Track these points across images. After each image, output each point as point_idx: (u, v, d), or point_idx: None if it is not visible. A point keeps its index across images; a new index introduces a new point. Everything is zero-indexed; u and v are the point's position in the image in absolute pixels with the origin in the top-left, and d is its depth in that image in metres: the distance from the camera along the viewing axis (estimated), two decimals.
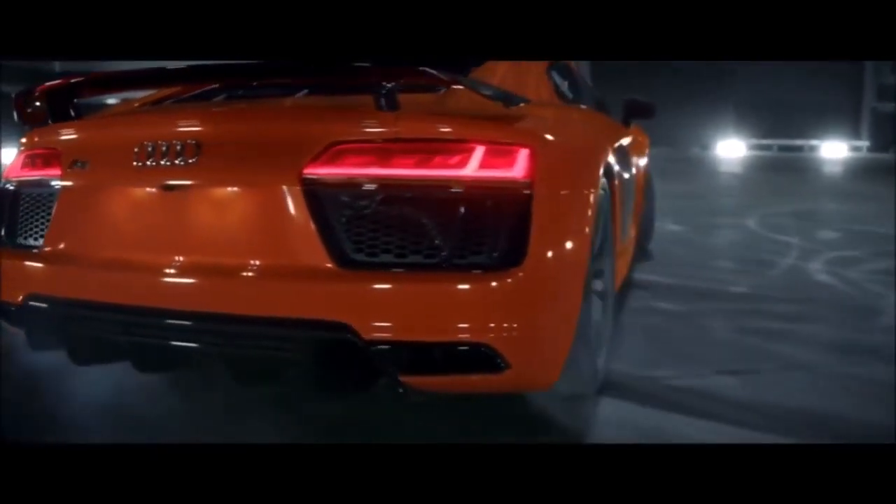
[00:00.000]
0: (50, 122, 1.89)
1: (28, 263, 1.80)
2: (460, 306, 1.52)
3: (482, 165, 1.56)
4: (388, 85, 1.58)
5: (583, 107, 2.81)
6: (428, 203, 1.53)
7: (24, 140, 1.99)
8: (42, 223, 1.86)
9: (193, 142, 1.63)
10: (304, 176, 1.55)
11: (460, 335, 1.52)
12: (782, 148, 26.69)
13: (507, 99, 1.73)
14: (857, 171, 16.48)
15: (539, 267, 1.57)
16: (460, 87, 1.65)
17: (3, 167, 2.15)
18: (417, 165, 1.55)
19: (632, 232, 3.32)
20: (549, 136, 1.75)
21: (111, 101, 2.59)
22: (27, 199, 1.92)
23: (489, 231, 1.54)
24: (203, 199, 1.65)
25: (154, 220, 1.69)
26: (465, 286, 1.51)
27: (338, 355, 1.56)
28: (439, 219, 1.53)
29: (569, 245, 1.68)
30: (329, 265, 1.54)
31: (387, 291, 1.51)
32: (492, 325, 1.53)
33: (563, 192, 1.72)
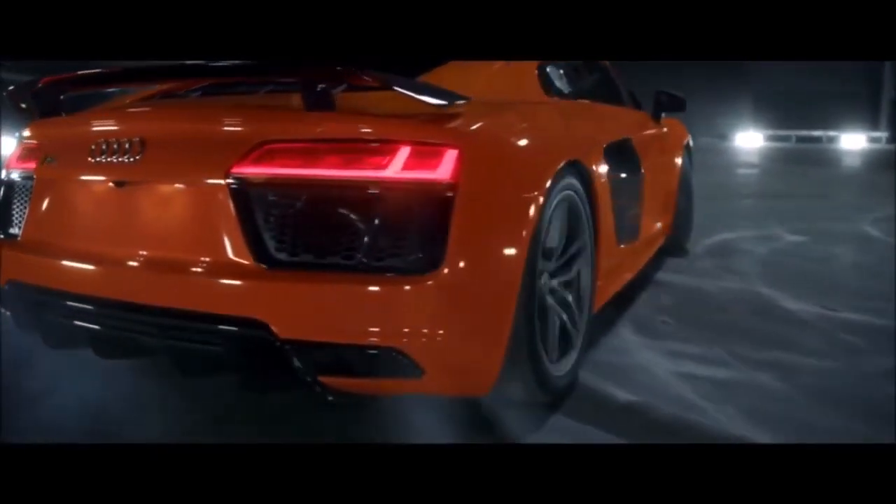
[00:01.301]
0: (37, 117, 2.00)
1: (8, 251, 1.91)
2: (373, 309, 1.52)
3: (406, 166, 1.54)
4: (320, 85, 1.60)
5: (585, 102, 2.77)
6: (349, 204, 1.53)
7: (20, 133, 2.10)
8: (22, 213, 1.97)
9: (138, 140, 1.70)
10: (232, 174, 1.58)
11: (372, 339, 1.52)
12: (800, 139, 26.55)
13: (444, 98, 1.68)
14: (890, 163, 15.57)
15: (458, 273, 1.54)
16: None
17: (3, 158, 2.23)
18: (341, 166, 1.55)
19: (651, 230, 3.26)
20: (483, 137, 1.73)
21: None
22: (14, 190, 2.03)
23: (407, 234, 1.53)
24: (145, 195, 1.71)
25: (105, 214, 1.78)
26: (378, 289, 1.50)
27: (256, 353, 1.57)
28: (360, 220, 1.52)
29: (499, 251, 1.65)
30: (251, 263, 1.56)
31: (303, 291, 1.52)
32: (405, 329, 1.52)
33: (497, 196, 1.68)
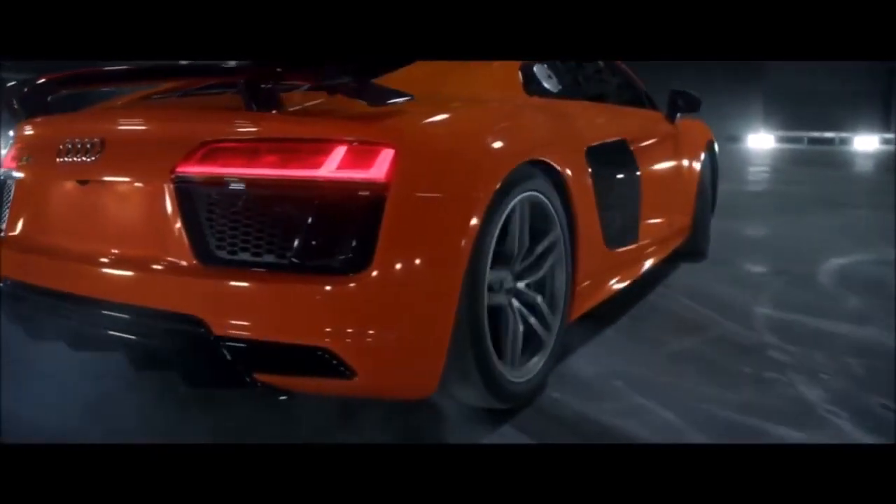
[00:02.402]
0: (24, 117, 2.06)
1: None
2: (302, 309, 1.53)
3: (340, 166, 1.55)
4: (265, 84, 1.63)
5: (573, 102, 2.74)
6: (285, 203, 1.55)
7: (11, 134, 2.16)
8: (5, 210, 2.06)
9: (99, 140, 1.76)
10: (176, 174, 1.62)
11: (301, 338, 1.53)
12: (812, 140, 26.40)
13: (386, 97, 1.69)
14: None
15: (388, 274, 1.54)
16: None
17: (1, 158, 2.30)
18: (277, 165, 1.56)
19: (658, 233, 3.23)
20: (423, 136, 1.71)
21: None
22: (4, 189, 2.10)
23: (337, 234, 1.53)
24: (104, 193, 1.77)
25: (70, 211, 1.85)
26: (307, 289, 1.52)
27: (193, 349, 1.59)
28: (294, 220, 1.54)
29: (436, 252, 1.64)
30: (191, 260, 1.59)
31: (237, 289, 1.55)
32: (333, 329, 1.53)
33: (435, 196, 1.66)
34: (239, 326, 1.54)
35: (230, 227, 1.58)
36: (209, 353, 1.56)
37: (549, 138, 2.24)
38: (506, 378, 1.89)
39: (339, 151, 1.55)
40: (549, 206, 2.08)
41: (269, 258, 1.55)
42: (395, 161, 1.57)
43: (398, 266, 1.56)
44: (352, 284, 1.52)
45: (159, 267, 1.62)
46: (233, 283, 1.55)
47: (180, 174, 1.62)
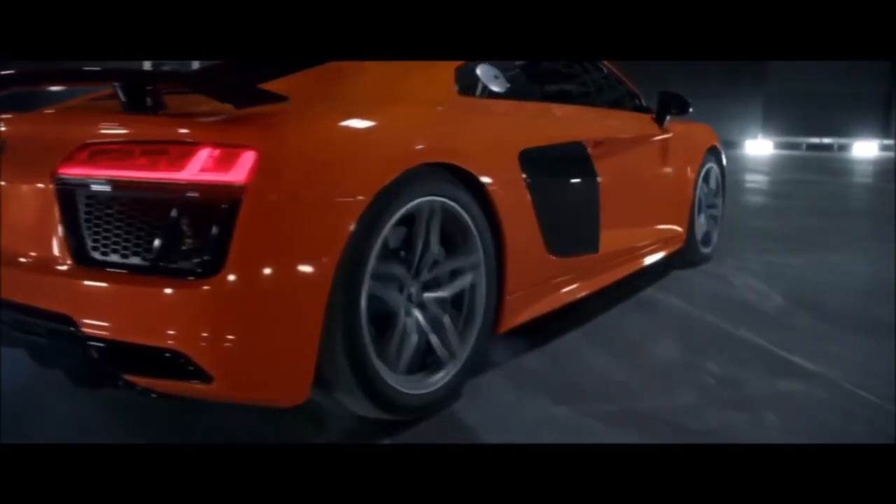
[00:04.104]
0: None
1: None
2: (157, 311, 1.54)
3: (203, 168, 1.55)
4: (138, 87, 1.66)
5: (518, 103, 2.61)
6: (151, 206, 1.57)
7: None
8: None
9: (1, 142, 1.80)
10: (57, 175, 1.65)
11: (156, 340, 1.54)
12: (811, 146, 26.37)
13: (258, 99, 1.71)
14: None
15: (243, 278, 1.53)
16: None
17: None
18: (144, 167, 1.58)
19: (630, 241, 3.14)
20: (291, 139, 1.68)
21: None
22: None
23: (194, 237, 1.54)
24: (5, 194, 1.79)
25: None
26: (162, 291, 1.53)
27: (67, 348, 1.63)
28: (156, 222, 1.56)
29: (299, 258, 1.61)
30: (70, 261, 1.63)
31: (100, 290, 1.58)
32: (186, 333, 1.53)
33: (303, 200, 1.63)
34: (102, 327, 1.56)
35: (103, 228, 1.61)
36: (80, 353, 1.59)
37: (463, 141, 2.14)
38: (395, 389, 1.85)
39: (203, 154, 1.56)
40: (463, 212, 2.02)
41: (135, 260, 1.58)
42: (257, 164, 1.55)
43: (254, 270, 1.55)
44: (204, 288, 1.52)
45: (46, 267, 1.66)
46: (97, 284, 1.59)
47: (60, 176, 1.65)
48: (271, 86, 1.91)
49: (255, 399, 1.71)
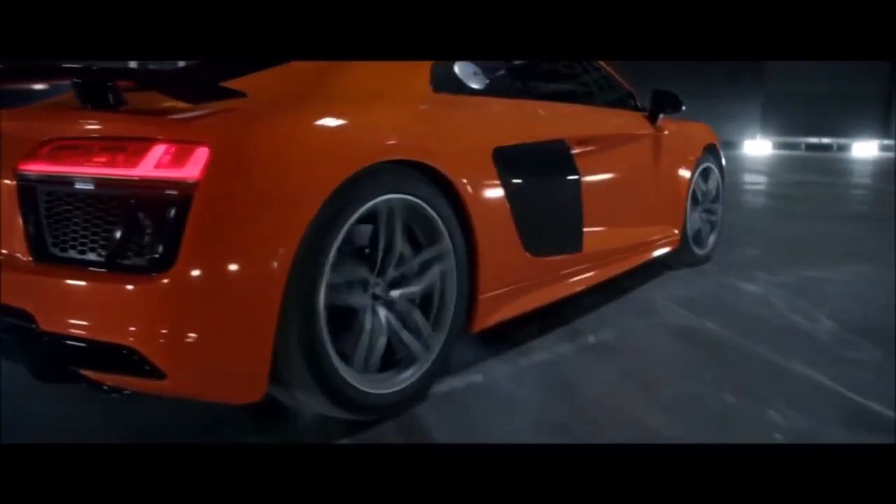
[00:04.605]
0: None
1: None
2: (109, 307, 1.55)
3: (158, 164, 1.56)
4: (96, 84, 1.66)
5: (497, 100, 2.57)
6: (106, 202, 1.58)
7: None
8: None
9: None
10: (19, 172, 1.65)
11: (109, 336, 1.55)
12: (810, 146, 26.11)
13: (216, 95, 1.74)
14: None
15: (193, 275, 1.53)
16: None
17: None
18: (101, 164, 1.59)
19: (617, 241, 3.09)
20: (246, 135, 1.67)
21: None
22: None
23: (147, 233, 1.55)
24: None
25: None
26: (114, 287, 1.54)
27: (27, 343, 1.63)
28: (111, 218, 1.57)
29: (252, 255, 1.60)
30: (30, 257, 1.64)
31: (58, 286, 1.59)
32: (137, 329, 1.53)
33: (255, 197, 1.62)
34: (59, 323, 1.57)
35: (63, 224, 1.62)
36: (39, 348, 1.61)
37: (431, 138, 2.11)
38: (357, 389, 1.84)
39: (157, 150, 1.57)
40: (431, 211, 2.00)
41: (91, 256, 1.59)
42: (210, 160, 1.56)
43: (205, 266, 1.55)
44: (154, 284, 1.53)
45: (10, 263, 1.67)
46: (55, 280, 1.59)
47: (22, 172, 1.66)
48: (235, 83, 1.92)
49: (209, 396, 1.70)
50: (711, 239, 4.16)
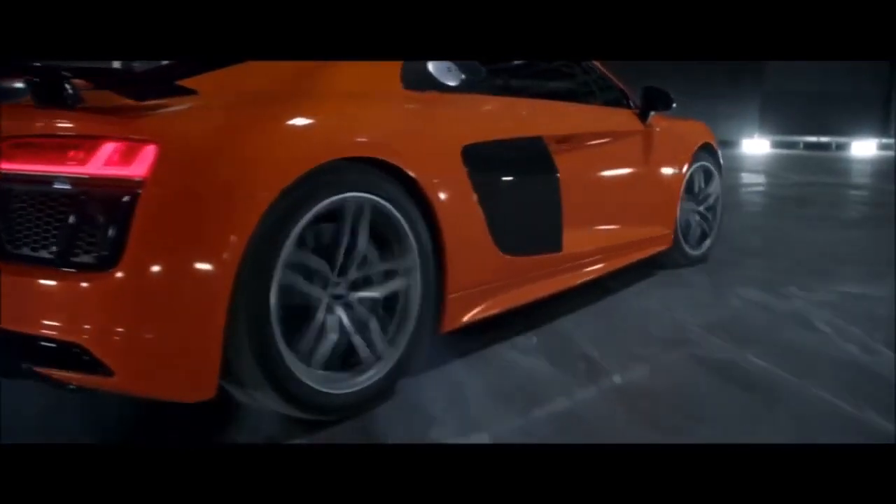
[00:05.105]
0: None
1: None
2: (59, 304, 1.58)
3: (107, 162, 1.58)
4: (50, 82, 1.66)
5: (471, 96, 2.51)
6: (56, 200, 1.60)
7: None
8: None
9: None
10: None
11: (57, 333, 1.57)
12: (808, 145, 25.84)
13: (167, 93, 1.77)
14: None
15: (138, 272, 1.55)
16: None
17: None
18: (53, 162, 1.61)
19: (602, 241, 3.04)
20: (194, 133, 1.69)
21: None
22: None
23: (94, 231, 1.57)
24: None
25: None
26: (62, 284, 1.57)
27: None
28: (61, 216, 1.59)
29: (199, 253, 1.61)
30: None
31: (10, 282, 1.60)
32: (84, 326, 1.55)
33: (203, 195, 1.63)
34: (12, 319, 1.58)
35: (16, 222, 1.63)
36: None
37: (393, 136, 2.08)
38: (312, 388, 1.82)
39: (107, 148, 1.59)
40: (394, 209, 1.98)
41: (43, 253, 1.61)
42: (157, 158, 1.58)
43: (151, 264, 1.57)
44: (100, 281, 1.54)
45: None
46: (9, 278, 1.60)
47: None
48: (193, 82, 1.95)
49: (159, 394, 1.69)
50: (708, 240, 4.08)
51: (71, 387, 1.66)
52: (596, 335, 2.71)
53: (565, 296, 2.94)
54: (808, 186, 10.15)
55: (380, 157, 1.95)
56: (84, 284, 1.54)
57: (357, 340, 1.95)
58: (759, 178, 11.38)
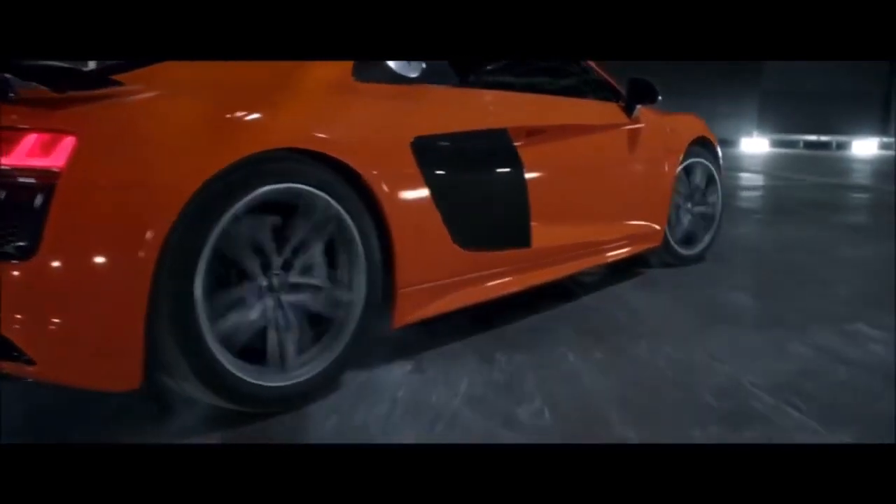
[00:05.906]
0: None
1: None
2: None
3: (28, 154, 1.60)
4: None
5: (426, 87, 2.44)
6: None
7: None
8: None
9: None
10: None
11: None
12: (808, 144, 25.85)
13: (92, 84, 1.78)
14: None
15: (54, 261, 1.58)
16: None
17: None
18: None
19: (578, 237, 3.00)
20: (115, 125, 1.72)
21: None
22: None
23: (12, 221, 1.59)
24: None
25: None
26: None
27: None
28: None
29: (115, 243, 1.63)
30: None
31: None
32: (5, 315, 1.57)
33: (121, 185, 1.65)
34: None
35: None
36: None
37: (332, 127, 2.07)
38: (241, 379, 1.83)
39: (28, 140, 1.61)
40: (334, 202, 1.97)
41: None
42: (75, 149, 1.60)
43: (67, 254, 1.60)
44: (17, 271, 1.58)
45: None
46: None
47: None
48: (130, 76, 1.99)
49: (82, 383, 1.71)
50: (706, 238, 3.98)
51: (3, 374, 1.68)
52: (637, 409, 2.03)
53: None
54: (827, 190, 9.45)
55: (314, 148, 1.93)
56: (3, 274, 1.56)
57: (271, 337, 1.92)
58: (764, 180, 11.01)
